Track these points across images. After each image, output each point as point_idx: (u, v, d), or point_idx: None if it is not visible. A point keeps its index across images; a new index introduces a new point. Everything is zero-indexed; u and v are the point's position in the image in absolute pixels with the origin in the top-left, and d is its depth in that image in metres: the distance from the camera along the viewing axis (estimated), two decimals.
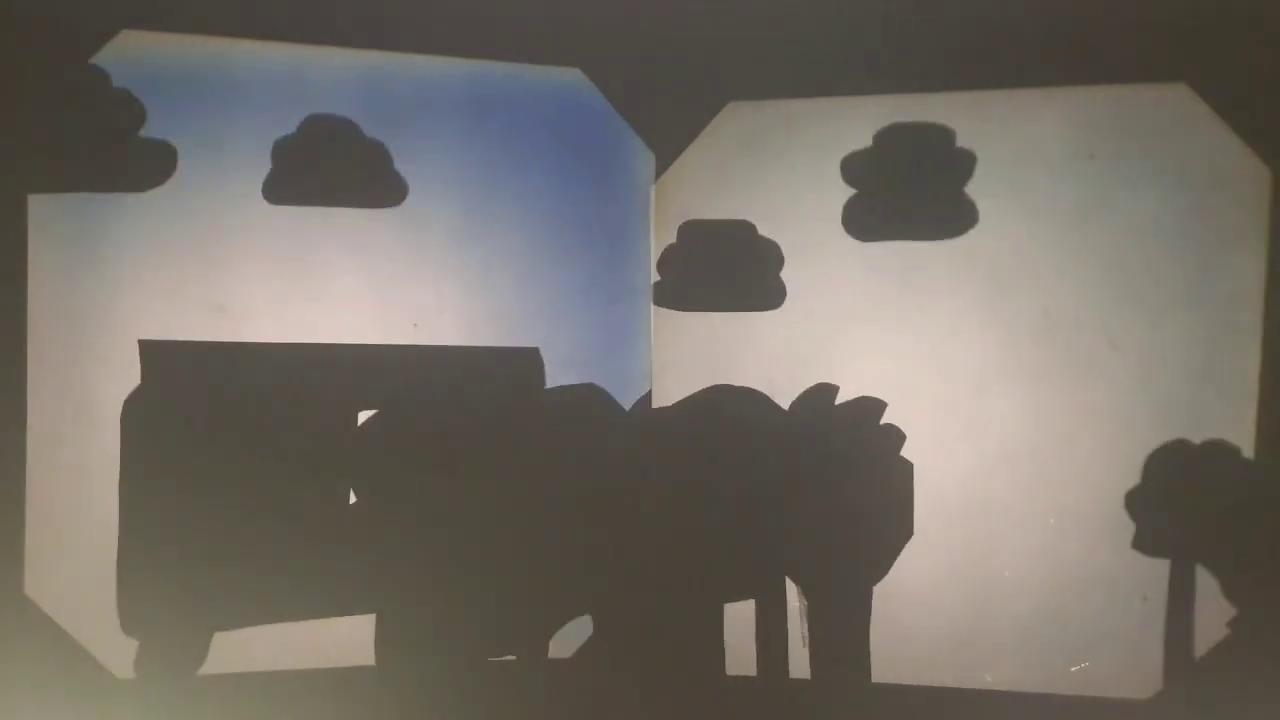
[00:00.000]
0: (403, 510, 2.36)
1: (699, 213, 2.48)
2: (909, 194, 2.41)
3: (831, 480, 2.44)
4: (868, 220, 2.43)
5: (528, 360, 2.42)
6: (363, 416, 2.33)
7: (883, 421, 2.42)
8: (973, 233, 2.39)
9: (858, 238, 2.43)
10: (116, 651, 2.25)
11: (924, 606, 2.43)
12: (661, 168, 2.48)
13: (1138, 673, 2.36)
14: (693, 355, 2.49)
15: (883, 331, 2.43)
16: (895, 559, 2.43)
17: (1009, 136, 2.37)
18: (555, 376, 2.43)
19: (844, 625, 2.44)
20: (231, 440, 2.28)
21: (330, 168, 2.33)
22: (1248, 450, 2.31)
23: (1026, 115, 2.37)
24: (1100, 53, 2.33)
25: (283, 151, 2.30)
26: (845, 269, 2.44)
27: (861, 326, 2.44)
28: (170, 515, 2.25)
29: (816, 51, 2.41)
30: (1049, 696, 2.38)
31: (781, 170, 2.45)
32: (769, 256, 2.46)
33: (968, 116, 2.38)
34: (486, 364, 2.40)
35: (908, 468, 2.42)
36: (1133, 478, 2.35)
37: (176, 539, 2.25)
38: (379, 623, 2.35)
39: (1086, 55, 2.34)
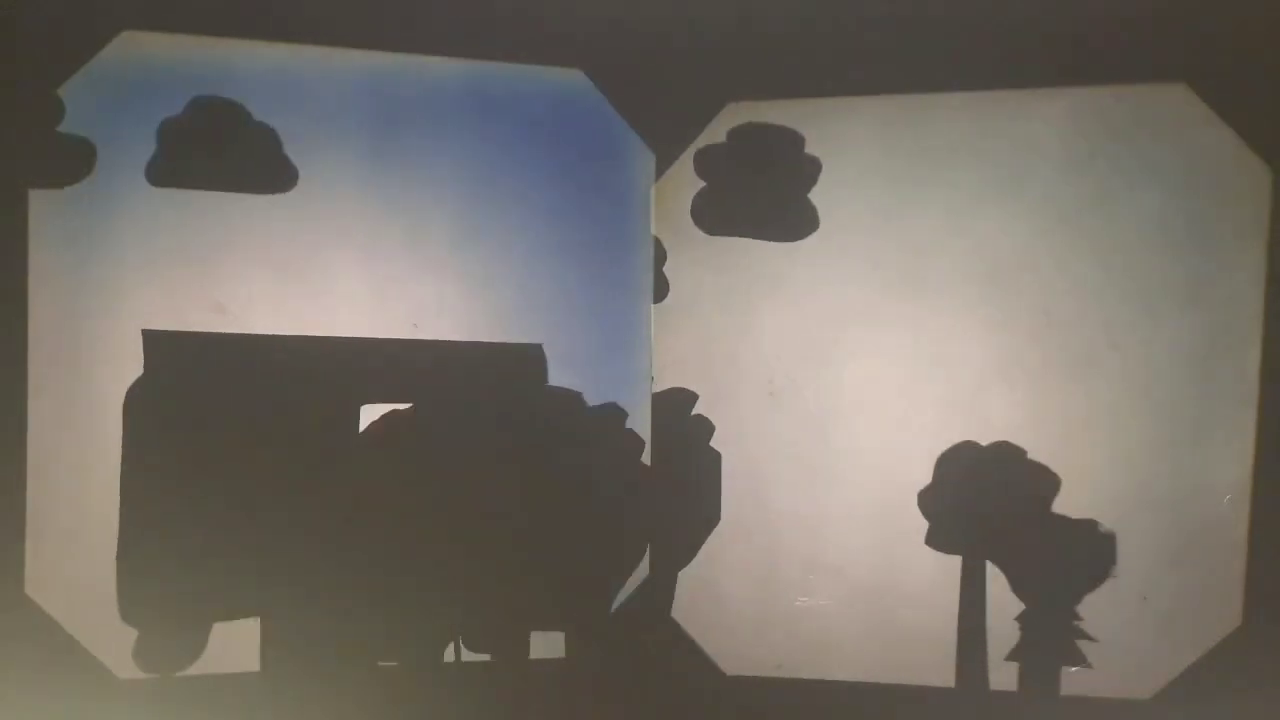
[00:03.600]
0: (407, 505, 2.36)
1: (699, 213, 2.48)
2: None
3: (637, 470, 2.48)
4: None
5: (530, 356, 2.42)
6: (366, 410, 2.33)
7: (695, 413, 2.47)
8: (974, 232, 2.39)
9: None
10: (116, 651, 2.25)
11: (924, 606, 2.43)
12: (661, 168, 2.48)
13: (1138, 672, 2.36)
14: (693, 355, 2.49)
15: (883, 330, 2.43)
16: (701, 546, 2.47)
17: (1009, 136, 2.38)
18: (555, 376, 2.43)
19: (647, 609, 2.47)
20: (233, 431, 2.28)
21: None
22: (1248, 450, 2.31)
23: (1026, 115, 2.37)
24: (1100, 53, 2.33)
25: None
26: (845, 268, 2.44)
27: (862, 325, 2.44)
28: (171, 503, 2.25)
29: (817, 52, 2.42)
30: (1049, 697, 2.39)
31: (781, 169, 2.45)
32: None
33: (968, 116, 2.39)
34: (489, 359, 2.40)
35: (715, 457, 2.45)
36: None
37: (177, 526, 2.25)
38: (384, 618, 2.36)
39: (1086, 55, 2.34)
